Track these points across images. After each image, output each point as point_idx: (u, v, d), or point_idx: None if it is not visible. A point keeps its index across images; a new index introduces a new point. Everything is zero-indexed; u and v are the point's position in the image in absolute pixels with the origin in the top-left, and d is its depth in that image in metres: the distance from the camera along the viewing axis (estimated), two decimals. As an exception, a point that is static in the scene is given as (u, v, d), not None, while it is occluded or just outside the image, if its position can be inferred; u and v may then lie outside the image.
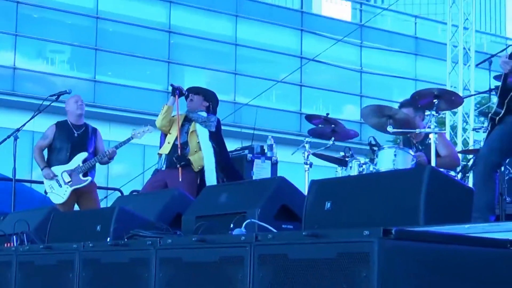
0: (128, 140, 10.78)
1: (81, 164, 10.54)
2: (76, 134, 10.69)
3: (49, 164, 10.60)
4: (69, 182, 10.48)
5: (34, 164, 11.28)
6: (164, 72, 32.78)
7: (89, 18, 32.75)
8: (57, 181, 10.49)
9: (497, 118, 6.39)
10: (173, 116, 9.83)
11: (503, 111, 6.37)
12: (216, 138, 9.73)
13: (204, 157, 9.62)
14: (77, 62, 32.98)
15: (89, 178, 10.59)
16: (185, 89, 10.02)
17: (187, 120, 9.83)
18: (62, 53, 33.10)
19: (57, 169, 10.52)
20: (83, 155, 10.58)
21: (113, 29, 33.26)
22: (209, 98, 10.04)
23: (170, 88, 10.02)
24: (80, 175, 10.53)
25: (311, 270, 3.55)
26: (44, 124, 11.11)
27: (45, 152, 10.74)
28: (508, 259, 3.77)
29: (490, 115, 6.54)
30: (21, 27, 31.36)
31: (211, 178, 9.50)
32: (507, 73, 6.44)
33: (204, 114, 9.83)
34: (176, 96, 9.83)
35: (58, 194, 10.49)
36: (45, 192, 10.69)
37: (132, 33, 33.39)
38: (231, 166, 9.90)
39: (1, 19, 30.92)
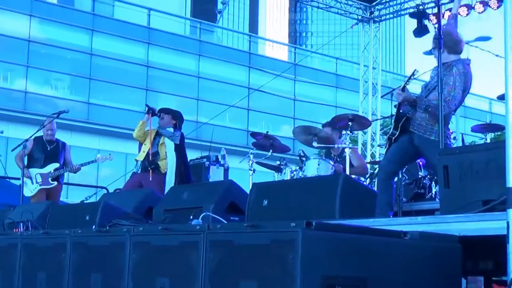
0: (92, 162, 10.82)
1: (52, 171, 10.61)
2: (49, 148, 10.73)
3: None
4: (39, 182, 10.57)
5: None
6: (143, 97, 32.60)
7: (85, 54, 32.57)
8: (31, 179, 10.56)
9: (393, 137, 6.44)
10: (148, 131, 9.78)
11: (397, 132, 6.42)
12: (179, 149, 9.66)
13: (168, 163, 9.59)
14: (75, 88, 32.77)
15: (55, 183, 10.60)
16: (157, 109, 9.98)
17: (158, 134, 9.79)
18: (63, 81, 32.85)
19: (33, 171, 10.58)
20: (55, 165, 10.64)
21: (104, 63, 33.07)
22: (176, 117, 9.99)
23: (146, 108, 9.97)
24: (49, 179, 10.61)
25: (250, 253, 3.52)
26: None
27: (26, 160, 10.69)
28: (402, 246, 3.77)
29: (388, 135, 6.59)
30: (31, 60, 31.13)
31: (170, 179, 9.46)
32: (400, 102, 6.49)
33: (171, 129, 9.80)
34: (150, 114, 9.82)
35: (29, 189, 10.55)
36: (20, 186, 10.74)
37: (118, 67, 33.25)
38: (187, 172, 9.79)
39: (16, 54, 30.67)
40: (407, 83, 6.40)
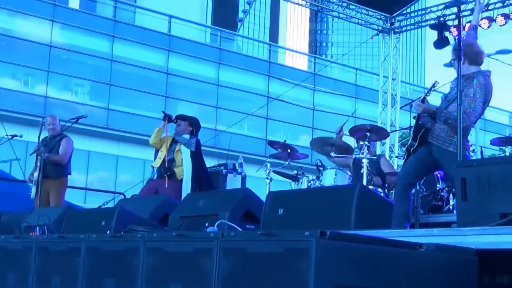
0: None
1: (38, 161, 10.10)
2: (49, 144, 10.40)
3: None
4: (33, 180, 10.15)
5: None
6: (162, 104, 32.68)
7: (105, 60, 32.74)
8: (33, 181, 10.17)
9: (412, 149, 6.40)
10: (164, 137, 9.76)
11: (416, 144, 6.37)
12: (195, 156, 9.61)
13: (184, 170, 9.54)
14: (95, 94, 32.93)
15: (36, 173, 10.04)
16: (174, 116, 9.95)
17: (174, 141, 9.77)
18: (83, 86, 33.03)
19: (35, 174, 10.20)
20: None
21: (124, 70, 33.23)
22: (193, 124, 9.95)
23: (162, 115, 9.95)
24: (37, 168, 10.08)
25: (263, 261, 3.50)
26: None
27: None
28: (417, 258, 3.74)
29: (406, 146, 6.55)
30: (52, 65, 31.33)
31: (187, 186, 9.41)
32: (419, 113, 6.45)
33: (187, 136, 9.74)
34: (166, 121, 9.78)
35: (32, 190, 10.20)
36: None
37: (138, 73, 33.38)
38: (208, 178, 9.77)
39: (37, 59, 30.87)
40: (427, 94, 6.35)
